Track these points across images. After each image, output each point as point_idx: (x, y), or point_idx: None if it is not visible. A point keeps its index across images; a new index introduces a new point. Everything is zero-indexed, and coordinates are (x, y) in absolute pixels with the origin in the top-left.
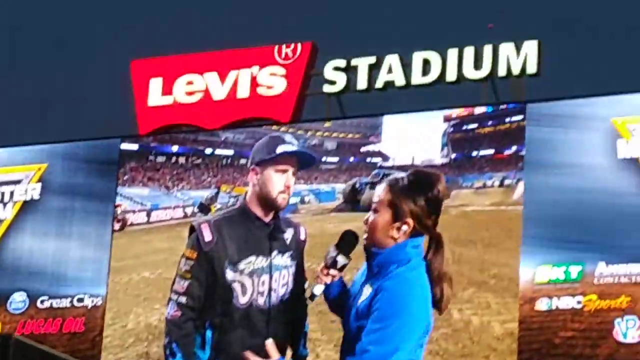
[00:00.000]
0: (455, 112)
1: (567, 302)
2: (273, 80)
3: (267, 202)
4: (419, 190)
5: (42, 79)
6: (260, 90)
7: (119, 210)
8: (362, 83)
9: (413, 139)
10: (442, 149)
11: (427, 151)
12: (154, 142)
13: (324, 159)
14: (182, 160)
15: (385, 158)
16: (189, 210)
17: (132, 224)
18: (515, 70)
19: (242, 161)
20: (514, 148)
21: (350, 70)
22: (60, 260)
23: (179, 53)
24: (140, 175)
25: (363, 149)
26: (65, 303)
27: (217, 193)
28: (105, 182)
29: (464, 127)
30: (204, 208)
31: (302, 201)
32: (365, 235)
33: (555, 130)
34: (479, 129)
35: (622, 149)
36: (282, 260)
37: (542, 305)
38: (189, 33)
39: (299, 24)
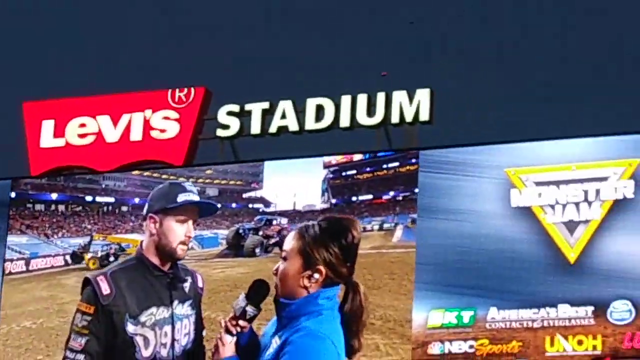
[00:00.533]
0: (335, 159)
1: (459, 346)
2: (166, 124)
3: (165, 252)
4: (332, 237)
5: None
6: (154, 134)
7: None
8: (255, 127)
9: (294, 185)
10: (323, 194)
11: (308, 196)
12: (32, 190)
13: None
14: (61, 207)
15: (267, 204)
16: (69, 258)
17: (10, 273)
18: (408, 118)
19: (124, 208)
20: (391, 193)
21: (244, 115)
22: None
23: (71, 95)
24: (18, 223)
25: (245, 195)
26: None
27: (90, 241)
28: None
29: (343, 174)
30: (77, 257)
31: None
32: (274, 285)
33: (449, 177)
34: (358, 175)
35: (515, 198)
36: (183, 309)
37: (434, 349)
38: (82, 75)
39: (193, 69)
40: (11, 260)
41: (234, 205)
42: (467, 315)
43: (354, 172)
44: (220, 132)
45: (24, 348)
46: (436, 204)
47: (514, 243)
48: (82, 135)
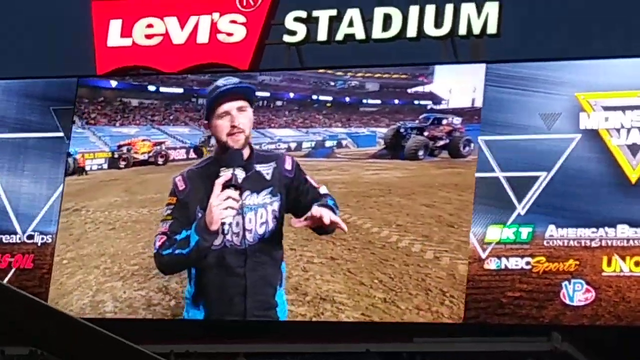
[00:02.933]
0: None
1: (516, 263)
2: (233, 28)
3: (222, 146)
4: None
5: (2, 15)
6: (220, 37)
7: (163, 146)
8: (322, 35)
9: (473, 79)
10: None
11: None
12: (197, 85)
13: (364, 100)
14: None
15: (437, 101)
16: (192, 152)
17: (173, 160)
18: (476, 30)
19: (278, 103)
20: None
21: (311, 22)
22: (12, 197)
23: None
24: (182, 115)
25: (410, 91)
26: (15, 239)
27: (210, 136)
28: (61, 120)
29: None
30: (198, 150)
31: (339, 145)
32: None
33: (514, 91)
34: None
35: (584, 121)
36: (258, 199)
37: (491, 264)
38: None
39: None
40: (175, 149)
41: (396, 101)
42: (525, 232)
43: None
44: (286, 38)
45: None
46: (501, 118)
47: (579, 162)
48: (149, 36)
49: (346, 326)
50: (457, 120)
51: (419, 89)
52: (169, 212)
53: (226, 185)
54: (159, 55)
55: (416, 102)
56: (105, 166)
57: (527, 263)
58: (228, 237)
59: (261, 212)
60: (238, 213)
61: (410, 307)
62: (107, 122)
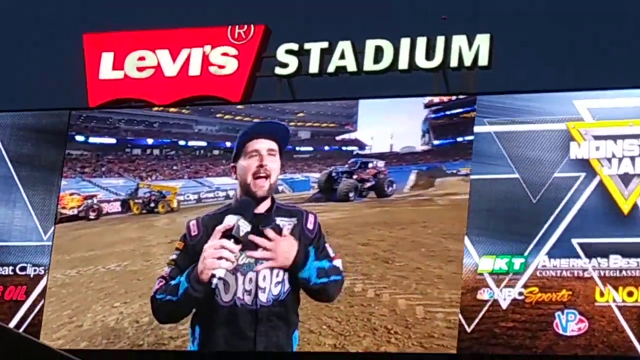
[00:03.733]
0: (436, 98)
1: (509, 293)
2: (225, 60)
3: (245, 191)
4: None
5: None
6: (212, 69)
7: (94, 200)
8: (314, 67)
9: (391, 126)
10: (423, 135)
11: (406, 138)
12: (130, 135)
13: (297, 148)
14: (156, 152)
15: (361, 146)
16: (119, 205)
17: (107, 213)
18: (467, 62)
19: (215, 152)
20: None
21: (303, 54)
22: (3, 229)
23: (131, 29)
24: (116, 166)
25: (338, 138)
26: (7, 271)
27: (137, 189)
28: (54, 152)
29: (447, 112)
30: (125, 203)
31: (276, 191)
32: None
33: (506, 122)
34: (464, 114)
35: (575, 150)
36: None
37: (484, 295)
38: (142, 9)
39: (253, 6)
40: (108, 202)
41: (326, 147)
42: (517, 262)
43: (459, 110)
44: (278, 70)
45: (104, 292)
46: (491, 149)
47: (569, 192)
48: (140, 69)
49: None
50: (380, 164)
51: (346, 136)
52: (174, 257)
53: (225, 235)
54: (151, 87)
55: (344, 148)
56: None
57: (520, 294)
58: (239, 294)
59: (277, 271)
60: (253, 268)
61: (360, 350)
62: None
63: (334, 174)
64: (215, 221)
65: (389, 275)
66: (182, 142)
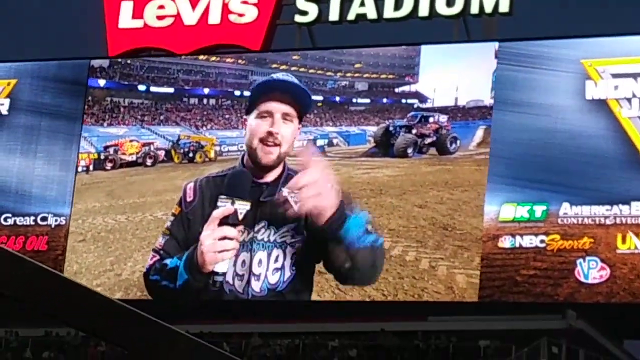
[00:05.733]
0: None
1: (530, 241)
2: (244, 8)
3: (251, 157)
4: None
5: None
6: (232, 18)
7: (152, 147)
8: (334, 15)
9: (457, 78)
10: (493, 88)
11: (474, 91)
12: (187, 85)
13: (354, 99)
14: (212, 101)
15: (422, 99)
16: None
17: (162, 161)
18: (488, 9)
19: None
20: None
21: (323, 2)
22: (25, 179)
23: None
24: (173, 115)
25: (398, 90)
26: (28, 221)
27: (178, 140)
28: (73, 102)
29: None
30: (168, 153)
31: (330, 143)
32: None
33: (526, 69)
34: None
35: (591, 90)
36: (275, 235)
37: (505, 242)
38: None
39: None
40: (164, 149)
41: (384, 100)
42: (539, 210)
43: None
44: (298, 18)
45: (147, 241)
46: (512, 96)
47: (589, 138)
48: (160, 17)
49: (361, 305)
50: (443, 118)
51: (406, 88)
52: (168, 224)
53: (224, 221)
54: (171, 36)
55: (403, 100)
56: (90, 167)
57: (542, 241)
58: (228, 278)
59: (277, 254)
60: (246, 249)
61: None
62: (95, 122)
63: (391, 128)
64: (214, 186)
65: (447, 244)
66: (237, 92)
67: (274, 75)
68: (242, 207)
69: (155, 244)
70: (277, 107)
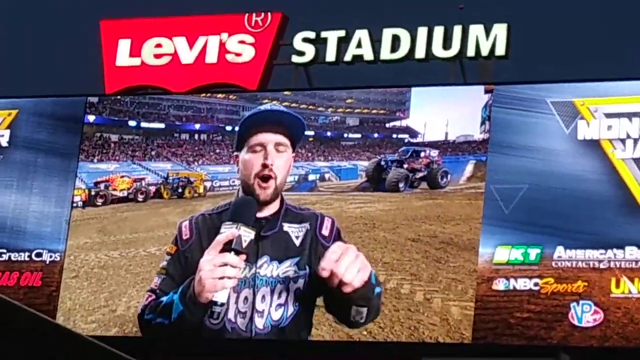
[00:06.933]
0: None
1: (524, 284)
2: (242, 48)
3: (248, 193)
4: None
5: (14, 35)
6: (229, 57)
7: (143, 182)
8: (330, 55)
9: (446, 113)
10: (483, 123)
11: (463, 126)
12: (178, 121)
13: (345, 135)
14: (203, 137)
15: (413, 134)
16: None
17: (153, 196)
18: (484, 52)
19: None
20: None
21: (320, 42)
22: (20, 215)
23: (149, 16)
24: (164, 150)
25: (389, 125)
26: (23, 257)
27: (167, 177)
28: (69, 139)
29: None
30: (157, 190)
31: (322, 178)
32: None
33: (521, 112)
34: None
35: (583, 130)
36: (279, 270)
37: (499, 285)
38: None
39: None
40: (155, 184)
41: (375, 135)
42: (533, 253)
43: None
44: (295, 59)
45: (141, 277)
46: (507, 139)
47: (582, 182)
48: (157, 56)
49: (353, 346)
50: (434, 153)
51: (397, 123)
52: (164, 264)
53: (226, 248)
54: (168, 74)
55: (394, 135)
56: (80, 204)
57: (536, 284)
58: (230, 316)
59: (280, 289)
60: (249, 285)
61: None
62: (84, 158)
63: (382, 163)
64: (211, 223)
65: (441, 277)
66: (228, 128)
67: (261, 107)
68: (247, 234)
69: (151, 284)
70: (269, 138)
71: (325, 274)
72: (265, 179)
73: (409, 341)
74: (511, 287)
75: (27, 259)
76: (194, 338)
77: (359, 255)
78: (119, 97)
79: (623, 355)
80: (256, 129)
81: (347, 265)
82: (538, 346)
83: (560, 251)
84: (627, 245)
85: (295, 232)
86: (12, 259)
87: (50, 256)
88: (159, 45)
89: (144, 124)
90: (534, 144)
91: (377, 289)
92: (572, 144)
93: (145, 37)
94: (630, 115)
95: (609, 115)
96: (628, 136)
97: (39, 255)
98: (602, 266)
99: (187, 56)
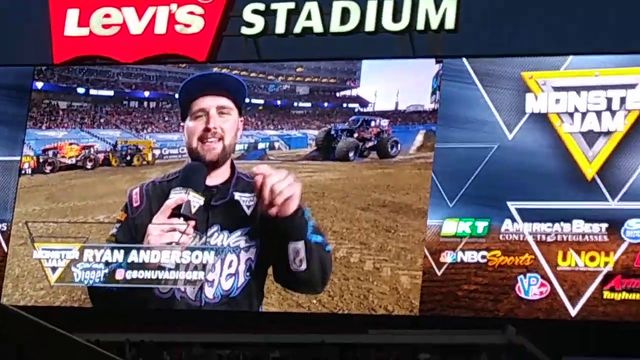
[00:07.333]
0: None
1: (472, 256)
2: (191, 19)
3: (194, 156)
4: None
5: None
6: (178, 28)
7: (92, 150)
8: (280, 27)
9: (397, 83)
10: (433, 93)
11: (413, 95)
12: (127, 88)
13: (295, 103)
14: (152, 104)
15: (364, 104)
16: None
17: (102, 164)
18: (434, 25)
19: None
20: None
21: (269, 14)
22: None
23: None
24: (113, 118)
25: (339, 94)
26: None
27: (115, 144)
28: (16, 108)
29: None
30: (106, 158)
31: (271, 147)
32: None
33: (469, 86)
34: None
35: (531, 103)
36: (229, 239)
37: (447, 257)
38: None
39: None
40: (105, 152)
41: (325, 104)
42: (481, 226)
43: None
44: (244, 30)
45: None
46: (457, 113)
47: (531, 155)
48: (106, 26)
49: (303, 317)
50: (384, 122)
51: (347, 92)
52: (114, 231)
53: (175, 212)
54: (116, 45)
55: (345, 104)
56: (29, 171)
57: (483, 257)
58: (180, 285)
59: (230, 258)
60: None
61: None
62: (32, 125)
63: (333, 132)
64: (161, 190)
65: (391, 246)
66: (177, 95)
67: (197, 73)
68: (196, 200)
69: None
70: (211, 102)
71: (259, 178)
72: (211, 141)
73: (356, 313)
74: (459, 260)
75: None
76: (143, 305)
77: (289, 175)
78: (98, 65)
79: (568, 327)
80: (196, 94)
81: (279, 178)
82: (485, 318)
83: (507, 224)
84: (574, 219)
85: (246, 201)
86: None
87: None
88: (107, 16)
89: (92, 92)
90: (482, 117)
91: (327, 248)
92: (520, 117)
93: (94, 7)
94: (578, 89)
95: (557, 89)
96: (576, 110)
97: None
98: (549, 239)
99: (136, 27)
